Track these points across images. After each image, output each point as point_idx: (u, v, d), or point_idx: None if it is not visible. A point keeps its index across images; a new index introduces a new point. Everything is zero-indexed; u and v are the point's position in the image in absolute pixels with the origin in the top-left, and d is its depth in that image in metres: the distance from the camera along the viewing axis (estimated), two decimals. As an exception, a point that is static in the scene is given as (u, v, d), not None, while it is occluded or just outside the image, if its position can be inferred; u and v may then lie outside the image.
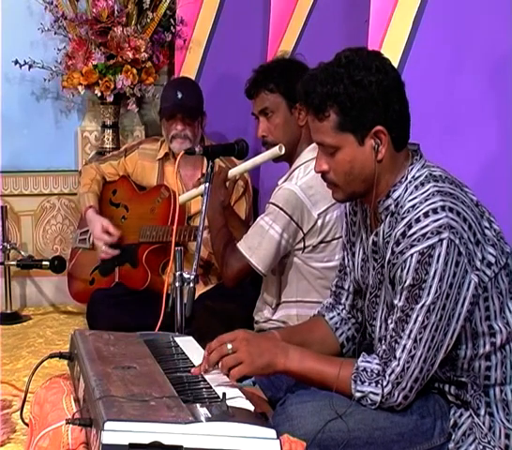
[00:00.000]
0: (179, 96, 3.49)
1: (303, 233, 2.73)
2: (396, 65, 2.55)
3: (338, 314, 2.25)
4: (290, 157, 2.84)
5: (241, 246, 2.76)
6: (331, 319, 2.24)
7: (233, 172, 2.92)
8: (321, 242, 2.75)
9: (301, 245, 2.76)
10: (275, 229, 2.71)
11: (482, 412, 1.96)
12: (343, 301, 2.25)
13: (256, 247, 2.72)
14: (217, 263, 3.03)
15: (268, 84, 2.83)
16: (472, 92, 2.50)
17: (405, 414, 1.92)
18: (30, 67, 4.02)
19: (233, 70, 3.85)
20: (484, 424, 1.95)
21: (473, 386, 1.96)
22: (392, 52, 2.57)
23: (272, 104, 2.83)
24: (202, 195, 2.65)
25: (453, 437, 1.96)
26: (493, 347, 1.95)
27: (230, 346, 1.92)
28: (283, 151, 2.79)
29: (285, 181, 2.78)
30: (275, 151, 2.80)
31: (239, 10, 3.88)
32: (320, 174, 2.04)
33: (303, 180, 2.71)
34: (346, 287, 2.23)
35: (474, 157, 2.50)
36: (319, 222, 2.72)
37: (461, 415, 1.97)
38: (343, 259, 2.24)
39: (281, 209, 2.71)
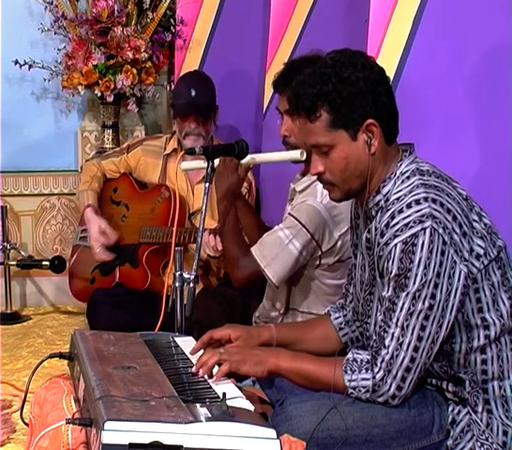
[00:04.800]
0: (193, 93, 3.46)
1: (321, 252, 2.66)
2: (396, 65, 2.56)
3: (345, 315, 2.26)
4: (308, 162, 2.74)
5: (255, 252, 2.67)
6: (336, 319, 2.26)
7: (245, 160, 2.74)
8: (336, 261, 2.69)
9: (317, 262, 2.69)
10: (295, 245, 2.63)
11: (480, 408, 1.96)
12: (348, 303, 2.26)
13: (273, 258, 2.63)
14: (225, 257, 2.91)
15: None
16: (472, 92, 2.50)
17: (403, 411, 1.92)
18: (30, 67, 4.02)
19: (232, 70, 3.85)
20: (482, 421, 1.96)
21: (470, 383, 1.96)
22: (392, 52, 2.57)
23: None
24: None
25: (451, 434, 1.97)
26: (488, 340, 1.95)
27: (222, 350, 1.98)
28: (304, 157, 2.63)
29: (304, 190, 2.69)
30: (296, 155, 2.66)
31: (239, 10, 3.88)
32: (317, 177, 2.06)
33: (328, 198, 2.51)
34: (351, 291, 2.24)
35: (474, 158, 2.50)
36: (338, 243, 2.65)
37: (459, 412, 1.97)
38: (351, 263, 2.24)
39: (304, 226, 2.62)
